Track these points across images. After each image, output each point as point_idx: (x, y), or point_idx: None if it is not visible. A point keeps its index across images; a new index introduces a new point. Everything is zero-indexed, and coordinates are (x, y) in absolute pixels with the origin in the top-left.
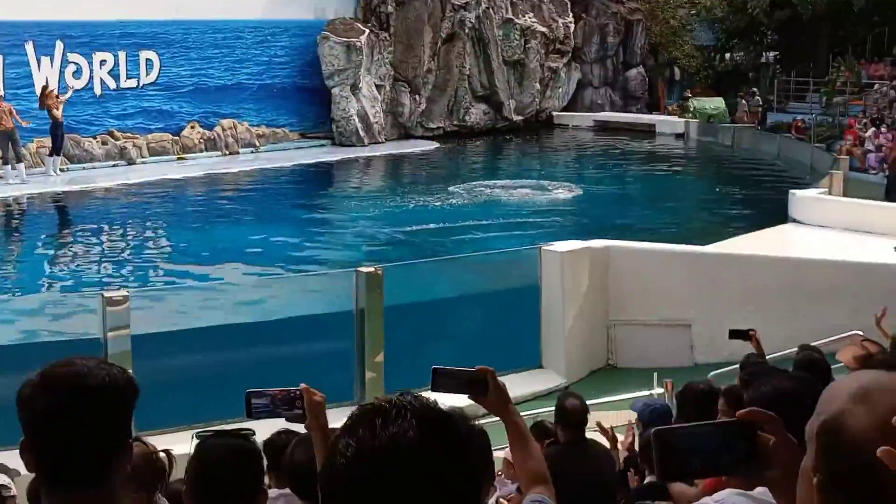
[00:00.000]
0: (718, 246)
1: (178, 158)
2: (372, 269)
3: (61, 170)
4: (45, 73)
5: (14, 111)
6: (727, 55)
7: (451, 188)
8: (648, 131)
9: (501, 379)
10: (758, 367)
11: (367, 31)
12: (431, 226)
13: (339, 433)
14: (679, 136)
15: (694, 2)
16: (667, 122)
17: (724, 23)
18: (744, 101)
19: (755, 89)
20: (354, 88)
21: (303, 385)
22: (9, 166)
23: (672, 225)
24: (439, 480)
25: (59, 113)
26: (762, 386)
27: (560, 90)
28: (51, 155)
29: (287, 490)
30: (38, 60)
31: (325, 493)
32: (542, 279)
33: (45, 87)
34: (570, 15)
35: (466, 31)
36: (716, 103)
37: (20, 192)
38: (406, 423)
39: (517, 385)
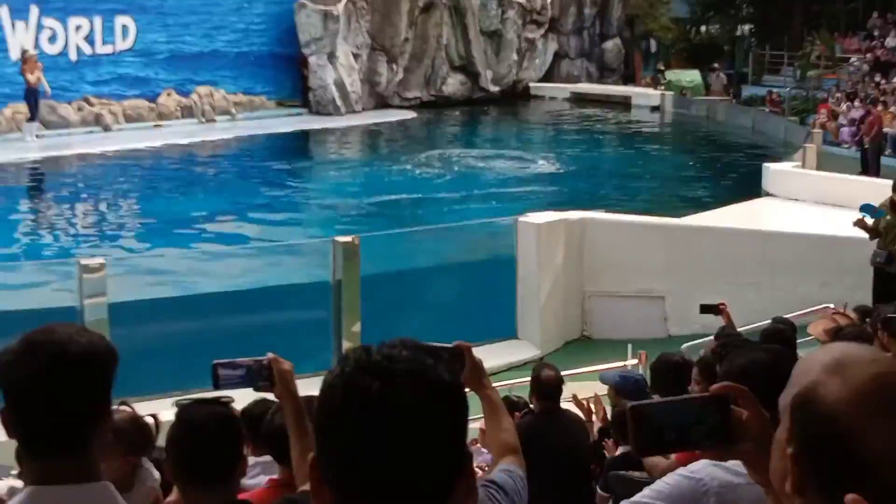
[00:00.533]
0: (693, 218)
1: (155, 125)
2: (349, 238)
3: (37, 136)
4: (19, 38)
5: None
6: (703, 28)
7: (428, 158)
8: (624, 103)
9: (477, 349)
10: (731, 339)
11: None
12: (408, 195)
13: (333, 368)
14: (654, 108)
15: None
16: (642, 95)
17: None
18: (722, 75)
19: (716, 65)
20: (331, 57)
21: (270, 354)
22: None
23: (647, 197)
24: (439, 392)
25: (33, 78)
26: (735, 359)
27: (537, 61)
28: (28, 121)
29: (265, 458)
30: (13, 24)
31: (323, 415)
32: (519, 250)
33: (24, 52)
34: None
35: (444, 0)
36: (691, 76)
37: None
38: (399, 348)
39: (493, 355)
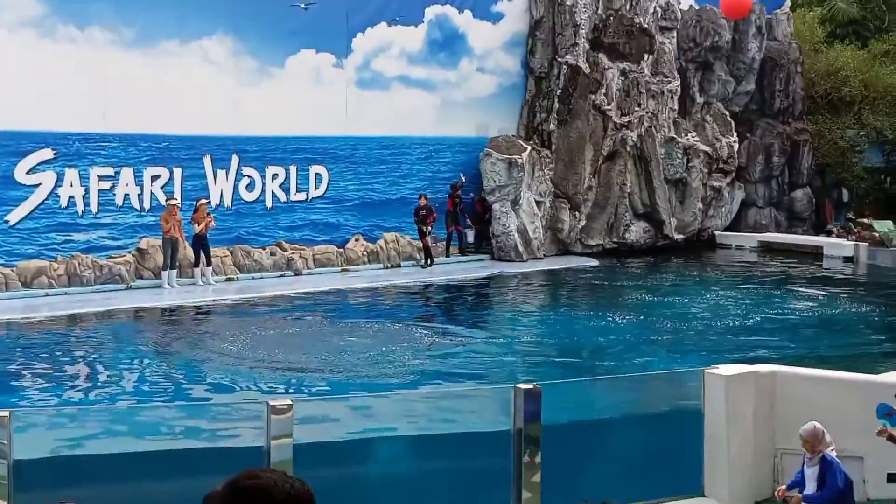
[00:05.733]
0: (893, 375)
1: (342, 270)
2: (530, 385)
3: (229, 279)
4: (220, 186)
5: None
6: None
7: (608, 304)
8: (815, 253)
9: None
10: None
11: (529, 148)
12: (592, 342)
13: None
14: (847, 259)
15: (863, 123)
16: (835, 245)
17: (894, 145)
18: None
19: None
20: (514, 204)
21: None
22: (169, 272)
23: (842, 352)
24: None
25: (196, 228)
26: None
27: (723, 209)
28: (193, 266)
29: None
30: (215, 173)
31: None
32: (706, 403)
33: (197, 199)
34: (735, 134)
35: (628, 149)
36: (886, 226)
37: (186, 301)
38: None
39: None
